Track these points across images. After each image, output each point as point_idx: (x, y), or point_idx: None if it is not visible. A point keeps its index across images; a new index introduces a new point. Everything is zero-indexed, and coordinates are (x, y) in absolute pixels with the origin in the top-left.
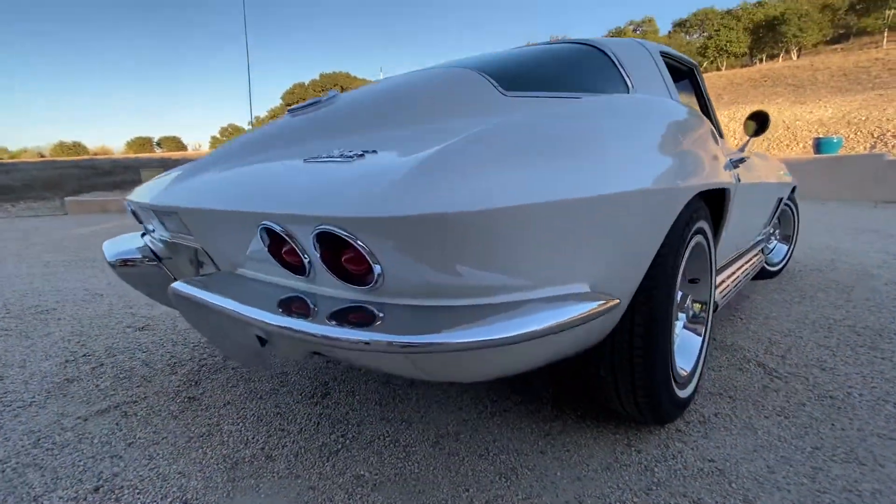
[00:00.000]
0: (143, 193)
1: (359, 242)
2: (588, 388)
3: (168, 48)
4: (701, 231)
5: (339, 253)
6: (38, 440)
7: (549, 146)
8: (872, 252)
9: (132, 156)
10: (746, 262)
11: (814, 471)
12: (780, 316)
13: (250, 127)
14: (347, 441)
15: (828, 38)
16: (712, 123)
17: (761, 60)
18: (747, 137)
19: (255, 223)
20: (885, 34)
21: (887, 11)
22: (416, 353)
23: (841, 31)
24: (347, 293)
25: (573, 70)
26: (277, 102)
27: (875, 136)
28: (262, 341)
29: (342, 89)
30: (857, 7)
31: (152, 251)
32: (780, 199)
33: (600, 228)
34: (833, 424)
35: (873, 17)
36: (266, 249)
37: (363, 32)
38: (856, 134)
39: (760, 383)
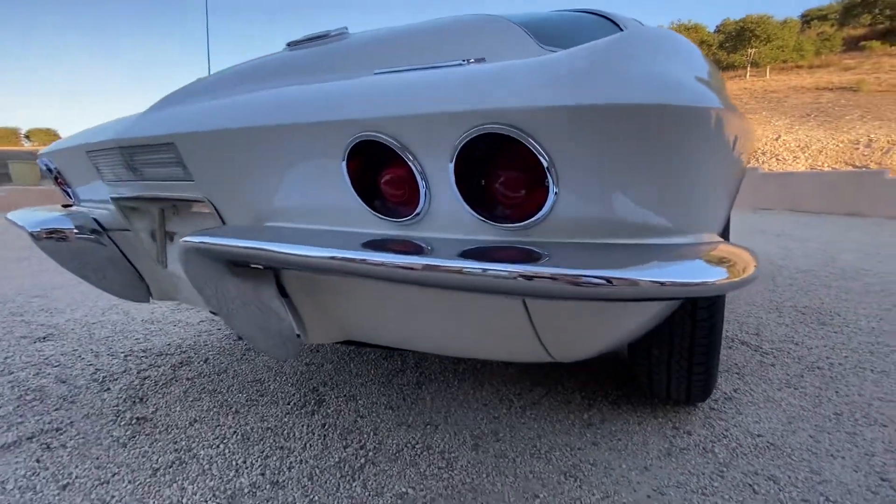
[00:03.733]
0: (98, 133)
1: (540, 149)
2: (633, 369)
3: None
4: None
5: (481, 174)
6: None
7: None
8: (770, 247)
9: None
10: None
11: (850, 436)
12: (729, 299)
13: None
14: (369, 453)
15: None
16: None
17: None
18: None
19: (336, 141)
20: (748, 69)
21: (749, 50)
22: (591, 290)
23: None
24: (483, 233)
25: (594, 36)
26: None
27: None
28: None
29: None
30: (726, 45)
31: (96, 221)
32: None
33: (736, 163)
34: (836, 391)
35: (739, 54)
36: (348, 182)
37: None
38: None
39: (755, 360)
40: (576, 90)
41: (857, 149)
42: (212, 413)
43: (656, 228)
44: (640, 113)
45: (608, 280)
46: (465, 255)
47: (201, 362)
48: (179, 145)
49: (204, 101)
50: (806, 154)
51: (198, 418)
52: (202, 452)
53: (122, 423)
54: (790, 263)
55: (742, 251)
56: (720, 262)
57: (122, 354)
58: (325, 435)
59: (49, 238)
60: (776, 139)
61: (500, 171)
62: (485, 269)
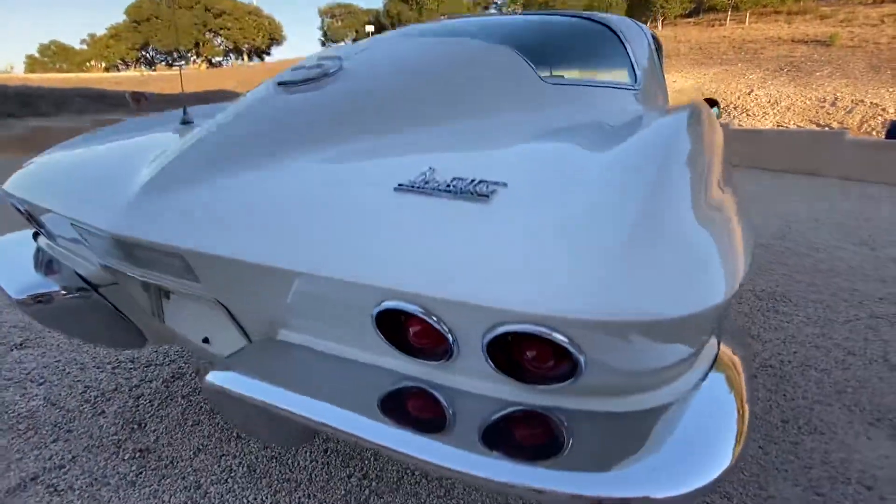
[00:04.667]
0: (77, 205)
1: (571, 345)
2: None
3: None
4: None
5: (511, 345)
6: None
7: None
8: None
9: None
10: None
11: (793, 446)
12: None
13: (84, 45)
14: (372, 483)
15: (686, 12)
16: (665, 92)
17: None
18: None
19: (364, 297)
20: (729, 13)
21: None
22: None
23: (694, 5)
24: (509, 393)
25: (593, 54)
26: (121, 18)
27: (721, 106)
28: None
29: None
30: None
31: (81, 278)
32: None
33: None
34: (784, 395)
35: None
36: (376, 329)
37: None
38: None
39: None
40: (608, 305)
41: (823, 107)
42: (214, 440)
43: (668, 380)
44: (673, 322)
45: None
46: (486, 433)
47: (193, 374)
48: (189, 259)
49: (207, 183)
50: (775, 110)
51: (201, 447)
52: (212, 490)
53: (126, 455)
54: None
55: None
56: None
57: (109, 366)
58: (328, 462)
59: (36, 304)
60: (749, 93)
61: (530, 348)
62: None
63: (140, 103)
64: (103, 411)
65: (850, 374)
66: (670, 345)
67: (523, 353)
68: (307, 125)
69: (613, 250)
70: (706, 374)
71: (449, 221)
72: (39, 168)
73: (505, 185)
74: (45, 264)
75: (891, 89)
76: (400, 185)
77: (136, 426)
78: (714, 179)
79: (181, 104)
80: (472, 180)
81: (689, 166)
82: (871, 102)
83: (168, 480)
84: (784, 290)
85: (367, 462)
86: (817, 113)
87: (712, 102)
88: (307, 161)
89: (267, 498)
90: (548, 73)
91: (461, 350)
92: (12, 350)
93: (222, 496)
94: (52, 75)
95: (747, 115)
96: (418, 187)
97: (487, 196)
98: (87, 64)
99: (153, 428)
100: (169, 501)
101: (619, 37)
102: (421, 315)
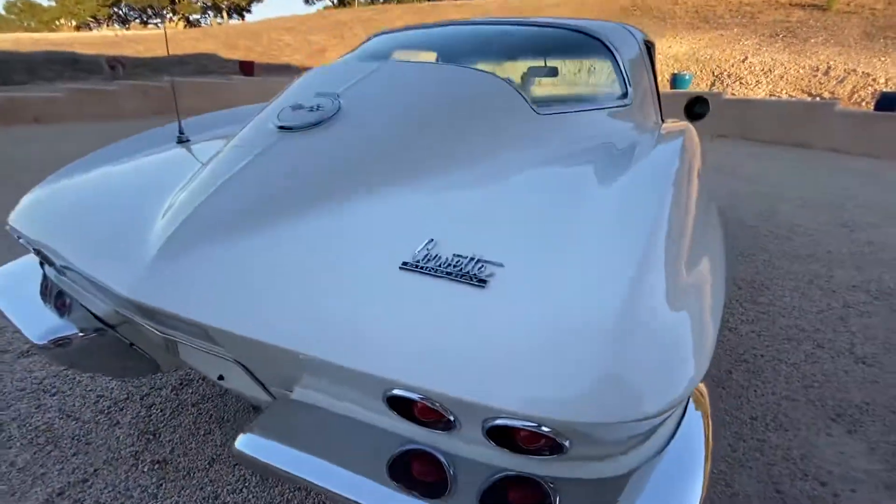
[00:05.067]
0: (93, 262)
1: (561, 436)
2: None
3: None
4: None
5: (508, 426)
6: None
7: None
8: (722, 192)
9: None
10: None
11: (760, 443)
12: None
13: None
14: None
15: None
16: (657, 101)
17: None
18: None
19: (375, 385)
20: None
21: None
22: None
23: None
24: (504, 461)
25: (585, 71)
26: None
27: (715, 74)
28: None
29: None
30: None
31: (97, 318)
32: None
33: None
34: (755, 391)
35: None
36: (384, 404)
37: None
38: (702, 71)
39: None
40: (594, 409)
41: (816, 76)
42: (226, 449)
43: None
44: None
45: None
46: (484, 495)
47: (199, 381)
48: (211, 332)
49: (220, 250)
50: (768, 79)
51: (215, 457)
52: (229, 499)
53: (145, 467)
54: (735, 216)
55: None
56: None
57: None
58: None
59: (57, 348)
60: (743, 61)
61: (524, 430)
62: None
63: (116, 70)
64: (118, 422)
65: (817, 367)
66: (647, 422)
67: (518, 432)
68: (312, 182)
69: (597, 354)
70: (673, 433)
71: (450, 311)
72: (44, 203)
73: (501, 265)
74: (55, 297)
75: (883, 58)
76: (405, 263)
77: (151, 437)
78: (695, 235)
79: (160, 70)
80: (471, 258)
81: (670, 237)
82: (862, 72)
83: (187, 492)
84: (763, 279)
85: None
86: (810, 82)
87: (701, 101)
88: (315, 224)
89: (278, 502)
90: (542, 96)
91: (463, 426)
92: (19, 358)
93: None
94: (21, 35)
95: (741, 83)
96: (421, 267)
97: (485, 282)
98: (57, 22)
99: (168, 438)
100: None
101: (611, 50)
102: (425, 402)
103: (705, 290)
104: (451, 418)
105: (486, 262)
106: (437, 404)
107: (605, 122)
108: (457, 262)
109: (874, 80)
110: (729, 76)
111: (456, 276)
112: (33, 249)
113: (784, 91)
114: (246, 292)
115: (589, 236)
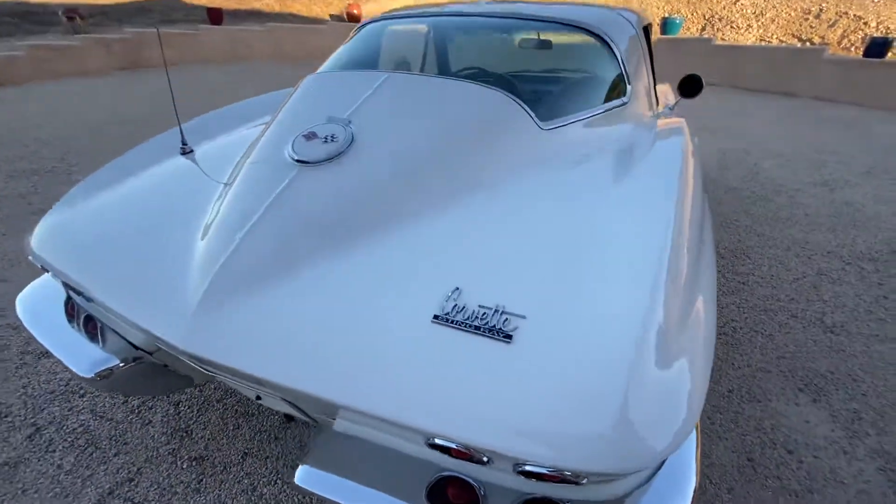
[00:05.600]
0: (134, 307)
1: (572, 477)
2: None
3: None
4: None
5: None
6: None
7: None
8: (708, 149)
9: None
10: None
11: (735, 415)
12: None
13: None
14: None
15: None
16: (652, 80)
17: None
18: (678, 98)
19: (414, 434)
20: None
21: None
22: None
23: None
24: (530, 487)
25: (586, 75)
26: None
27: (706, 17)
28: None
29: None
30: None
31: (135, 346)
32: None
33: None
34: (733, 363)
35: None
36: (426, 447)
37: None
38: (693, 14)
39: None
40: (609, 459)
41: (808, 19)
42: (256, 443)
43: None
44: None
45: None
46: None
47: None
48: (265, 384)
49: (258, 299)
50: (759, 22)
51: (247, 451)
52: (266, 491)
53: (184, 465)
54: (721, 177)
55: None
56: None
57: None
58: None
59: (101, 379)
60: (734, 3)
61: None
62: None
63: (74, 21)
64: (150, 420)
65: (790, 338)
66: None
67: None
68: (335, 224)
69: (611, 412)
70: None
71: (483, 366)
72: (66, 232)
73: (523, 317)
74: (84, 320)
75: (874, 0)
76: (436, 317)
77: (184, 434)
78: (693, 269)
79: (121, 21)
80: (495, 310)
81: (672, 279)
82: (854, 15)
83: (227, 485)
84: (745, 247)
85: None
86: (801, 26)
87: (695, 80)
88: (344, 269)
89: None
90: (544, 104)
91: (495, 462)
92: (40, 359)
93: (276, 496)
94: None
95: (731, 27)
96: (452, 321)
97: (511, 337)
98: None
99: (200, 435)
100: None
101: (609, 45)
102: (461, 448)
103: (699, 336)
104: (485, 459)
105: (509, 314)
106: (473, 449)
107: (604, 128)
108: (483, 315)
109: (865, 23)
110: (720, 19)
111: (485, 332)
112: (60, 282)
113: (774, 36)
114: (290, 344)
115: (598, 281)
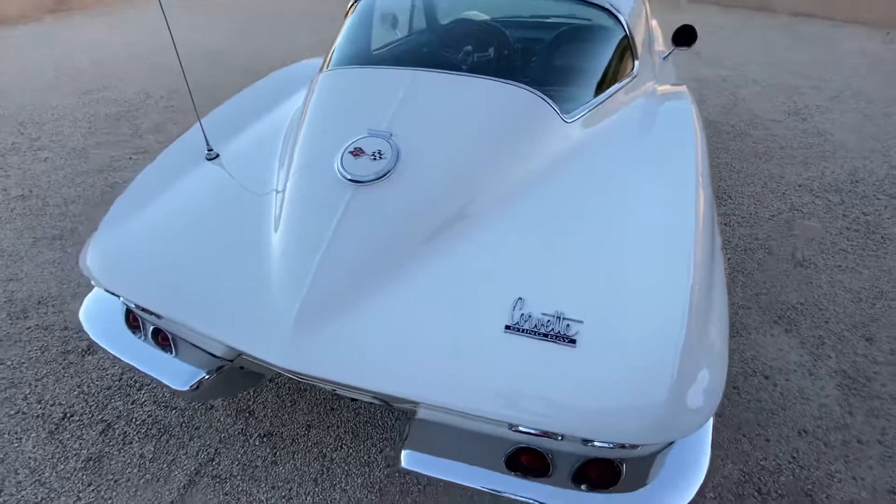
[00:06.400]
0: (230, 332)
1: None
2: None
3: None
4: None
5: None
6: None
7: None
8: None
9: None
10: None
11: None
12: None
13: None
14: None
15: None
16: (653, 51)
17: None
18: (672, 47)
19: (500, 424)
20: None
21: None
22: None
23: None
24: (590, 451)
25: (602, 57)
26: None
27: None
28: None
29: None
30: None
31: (215, 356)
32: None
33: None
34: None
35: None
36: (509, 430)
37: None
38: None
39: None
40: (664, 434)
41: None
42: (315, 415)
43: None
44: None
45: None
46: (575, 474)
47: None
48: (364, 391)
49: (347, 315)
50: None
51: (309, 423)
52: (334, 455)
53: (256, 441)
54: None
55: None
56: None
57: None
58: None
59: (193, 391)
60: None
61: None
62: None
63: None
64: (212, 406)
65: (766, 275)
66: None
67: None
68: (400, 240)
69: (660, 398)
70: None
71: (556, 367)
72: (125, 254)
73: (581, 321)
74: (152, 333)
75: None
76: (507, 327)
77: (248, 415)
78: (710, 259)
79: None
80: (557, 317)
81: (700, 274)
82: None
83: (300, 455)
84: (727, 186)
85: None
86: None
87: (689, 31)
88: (415, 282)
89: (373, 454)
90: (564, 91)
91: (565, 438)
92: (84, 356)
93: (345, 459)
94: None
95: None
96: (522, 329)
97: (574, 341)
98: None
99: (262, 413)
100: (310, 472)
101: (617, 17)
102: (539, 433)
103: (722, 325)
104: (559, 437)
105: (569, 319)
106: (542, 440)
107: (618, 112)
108: (547, 322)
109: None
110: None
111: (552, 338)
112: (130, 309)
113: None
114: (385, 355)
115: (638, 280)
